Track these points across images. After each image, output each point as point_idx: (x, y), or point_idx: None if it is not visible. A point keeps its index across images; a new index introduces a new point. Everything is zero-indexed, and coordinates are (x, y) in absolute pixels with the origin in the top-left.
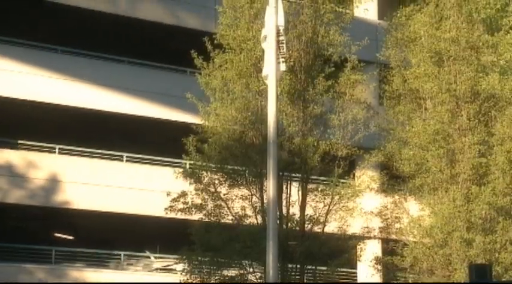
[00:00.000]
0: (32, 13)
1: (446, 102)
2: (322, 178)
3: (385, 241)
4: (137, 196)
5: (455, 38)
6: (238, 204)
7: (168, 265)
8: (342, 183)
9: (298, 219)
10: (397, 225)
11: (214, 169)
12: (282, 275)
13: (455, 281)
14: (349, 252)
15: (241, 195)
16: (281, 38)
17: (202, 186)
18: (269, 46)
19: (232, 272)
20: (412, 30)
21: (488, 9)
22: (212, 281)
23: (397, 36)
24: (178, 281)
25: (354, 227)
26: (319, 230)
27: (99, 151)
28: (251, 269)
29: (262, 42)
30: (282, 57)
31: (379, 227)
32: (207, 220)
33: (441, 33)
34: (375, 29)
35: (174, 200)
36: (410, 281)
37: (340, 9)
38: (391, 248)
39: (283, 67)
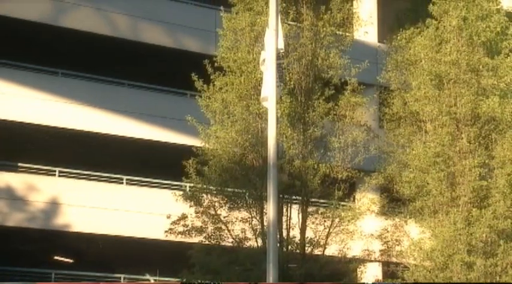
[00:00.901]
0: (32, 36)
1: (446, 124)
2: (322, 200)
3: (386, 264)
4: (137, 219)
5: (455, 61)
6: (239, 226)
7: None
8: (342, 205)
9: (299, 242)
10: (398, 248)
11: (214, 192)
12: None
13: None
14: (350, 275)
15: (242, 218)
16: (281, 61)
17: (202, 208)
18: (268, 69)
19: None
20: (412, 53)
21: (488, 32)
22: None
23: (397, 58)
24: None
25: (355, 250)
26: (319, 253)
27: (99, 173)
28: None
29: (261, 65)
30: (281, 80)
31: (380, 250)
32: (207, 242)
33: (441, 56)
34: (375, 52)
35: (174, 223)
36: None
37: (340, 32)
38: (391, 271)
39: (281, 91)
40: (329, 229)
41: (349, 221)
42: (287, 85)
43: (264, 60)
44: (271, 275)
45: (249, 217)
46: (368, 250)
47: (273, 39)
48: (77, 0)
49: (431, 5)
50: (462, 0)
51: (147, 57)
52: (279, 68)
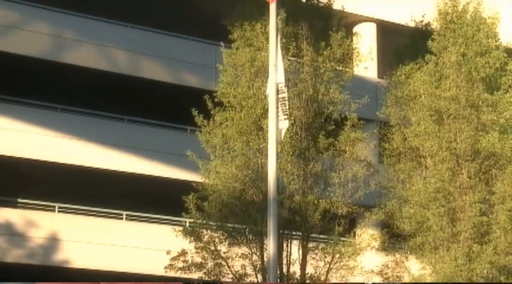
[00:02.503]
0: (32, 71)
1: (446, 160)
2: (322, 236)
3: None
4: (137, 255)
5: (455, 97)
6: (239, 262)
7: None
8: (343, 241)
9: (299, 278)
10: None
11: (214, 227)
12: None
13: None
14: None
15: (242, 253)
16: (282, 95)
17: (202, 244)
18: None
19: None
20: (411, 89)
21: (487, 68)
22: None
23: (397, 94)
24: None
25: None
26: None
27: (99, 209)
28: None
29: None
30: (285, 114)
31: None
32: (207, 278)
33: (441, 92)
34: (375, 87)
35: (174, 258)
36: None
37: (340, 68)
38: None
39: (286, 124)
40: (329, 265)
41: (349, 257)
42: (289, 120)
43: (267, 95)
44: None
45: (249, 253)
46: None
47: (273, 74)
48: (78, 36)
49: (430, 41)
50: (461, 36)
51: (147, 93)
52: (283, 101)
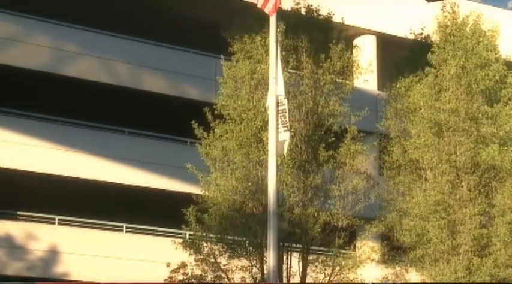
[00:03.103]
0: (33, 84)
1: (446, 172)
2: (322, 248)
3: None
4: (137, 267)
5: (454, 109)
6: (239, 274)
7: None
8: (343, 253)
9: None
10: None
11: (214, 240)
12: None
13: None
14: None
15: (242, 266)
16: (282, 108)
17: (202, 256)
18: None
19: None
20: (411, 101)
21: (487, 80)
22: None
23: (397, 106)
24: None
25: None
26: None
27: (99, 222)
28: None
29: (267, 111)
30: (284, 127)
31: None
32: None
33: (441, 104)
34: (375, 100)
35: (174, 271)
36: None
37: (340, 80)
38: None
39: (286, 136)
40: (329, 278)
41: (349, 269)
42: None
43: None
44: None
45: (249, 266)
46: None
47: (273, 86)
48: (79, 49)
49: (430, 53)
50: (461, 49)
51: (147, 105)
52: (283, 113)
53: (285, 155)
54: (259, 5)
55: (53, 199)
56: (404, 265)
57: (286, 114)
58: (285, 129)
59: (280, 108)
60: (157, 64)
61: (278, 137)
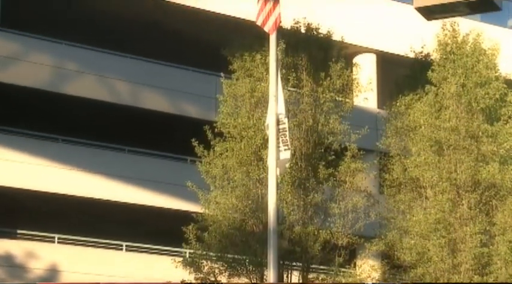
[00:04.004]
0: (33, 102)
1: (446, 191)
2: (322, 267)
3: None
4: None
5: (454, 127)
6: None
7: None
8: (343, 272)
9: None
10: None
11: (214, 258)
12: None
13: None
14: None
15: None
16: (282, 126)
17: (202, 275)
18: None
19: None
20: (411, 119)
21: (487, 99)
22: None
23: (397, 124)
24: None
25: None
26: None
27: (99, 240)
28: None
29: (266, 130)
30: (285, 145)
31: None
32: None
33: (441, 122)
34: (375, 118)
35: None
36: None
37: (340, 98)
38: None
39: (287, 154)
40: None
41: None
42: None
43: (267, 125)
44: None
45: None
46: None
47: (273, 105)
48: (79, 67)
49: (430, 71)
50: (461, 67)
51: (147, 123)
52: (284, 131)
53: (284, 174)
54: (259, 23)
55: (52, 217)
56: None
57: (287, 133)
58: (286, 147)
59: (280, 126)
60: (157, 82)
61: (279, 156)
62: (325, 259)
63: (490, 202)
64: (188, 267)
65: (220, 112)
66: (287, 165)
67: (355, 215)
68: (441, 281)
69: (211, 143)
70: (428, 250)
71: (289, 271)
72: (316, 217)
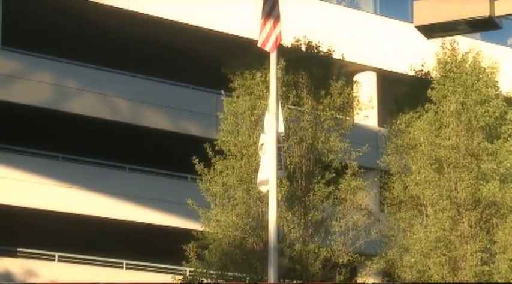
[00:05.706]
0: (33, 121)
1: (447, 209)
2: None
3: None
4: None
5: (455, 145)
6: None
7: None
8: None
9: None
10: None
11: (214, 276)
12: None
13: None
14: None
15: None
16: (281, 145)
17: None
18: (268, 152)
19: None
20: (412, 137)
21: (487, 117)
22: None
23: (397, 142)
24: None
25: None
26: None
27: (99, 258)
28: None
29: (259, 150)
30: (278, 165)
31: None
32: None
33: (441, 141)
34: (375, 136)
35: None
36: None
37: (340, 116)
38: None
39: (282, 174)
40: None
41: None
42: (287, 169)
43: (262, 145)
44: None
45: None
46: None
47: (274, 122)
48: (79, 85)
49: (430, 89)
50: (461, 85)
51: (147, 141)
52: (279, 151)
53: (264, 192)
54: (259, 44)
55: (52, 235)
56: None
57: (282, 153)
58: (279, 167)
59: (277, 145)
60: (157, 100)
61: (263, 174)
62: (325, 277)
63: (491, 220)
64: None
65: (221, 130)
66: (272, 183)
67: (356, 233)
68: None
69: (212, 161)
70: (429, 268)
71: None
72: (316, 235)
